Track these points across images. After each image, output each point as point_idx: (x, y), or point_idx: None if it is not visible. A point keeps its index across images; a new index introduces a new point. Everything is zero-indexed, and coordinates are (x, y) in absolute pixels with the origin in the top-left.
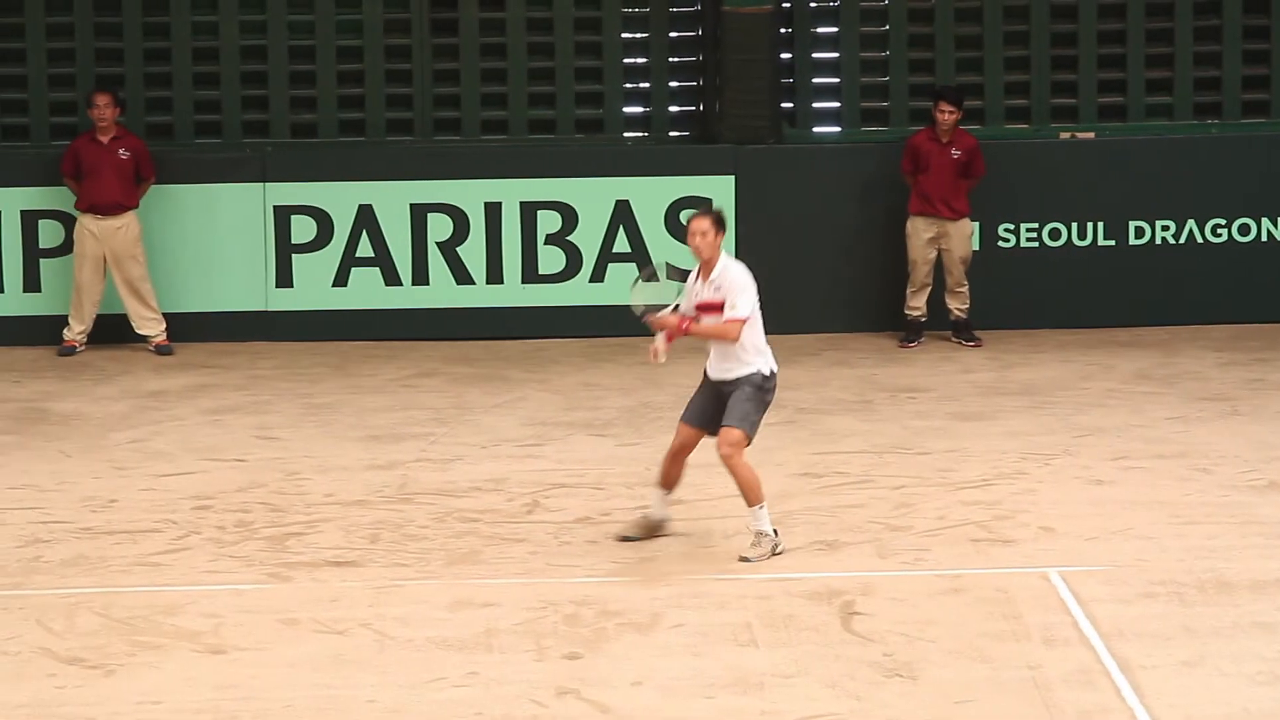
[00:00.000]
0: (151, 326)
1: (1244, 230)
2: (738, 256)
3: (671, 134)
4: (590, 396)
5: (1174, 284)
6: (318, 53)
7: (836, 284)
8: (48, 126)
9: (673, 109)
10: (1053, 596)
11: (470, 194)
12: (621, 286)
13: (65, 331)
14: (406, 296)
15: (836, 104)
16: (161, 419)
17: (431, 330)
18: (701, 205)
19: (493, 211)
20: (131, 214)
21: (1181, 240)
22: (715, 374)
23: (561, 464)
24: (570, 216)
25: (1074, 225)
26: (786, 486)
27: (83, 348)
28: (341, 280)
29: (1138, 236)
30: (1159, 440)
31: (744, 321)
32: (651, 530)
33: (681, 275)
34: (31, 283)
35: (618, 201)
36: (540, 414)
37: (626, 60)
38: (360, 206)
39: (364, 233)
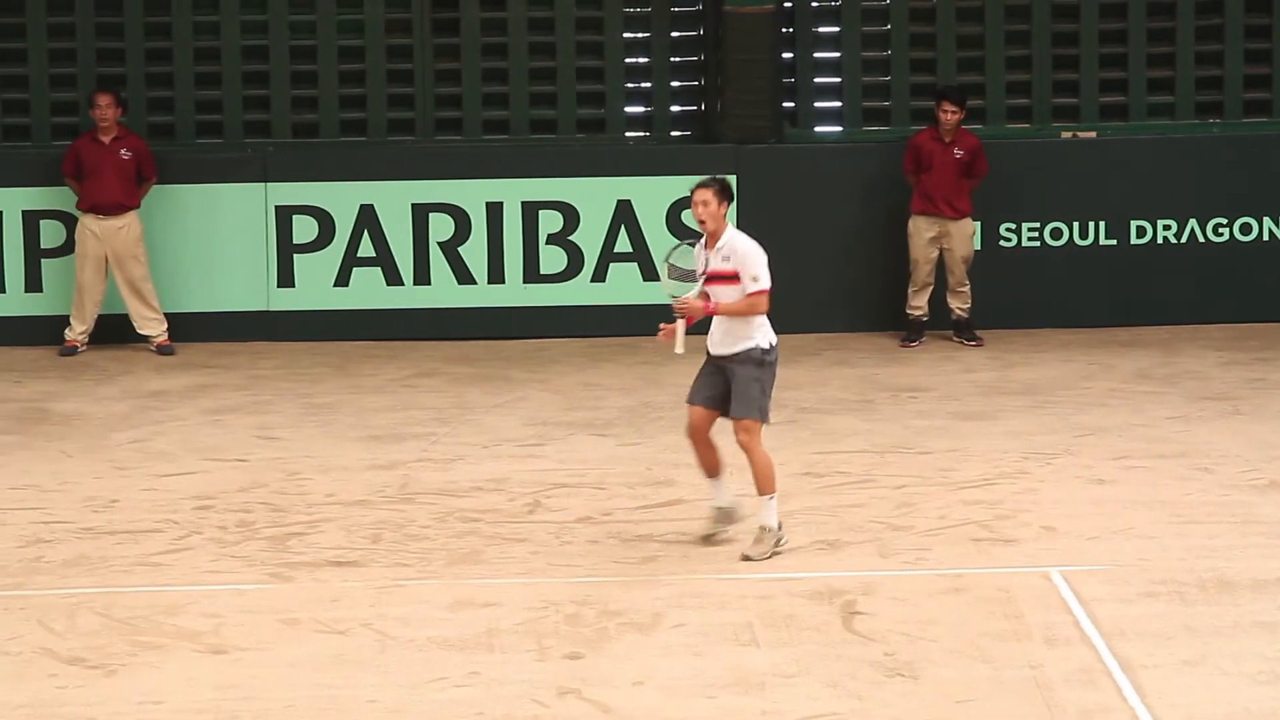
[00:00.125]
0: (153, 327)
1: (1245, 229)
2: None
3: (673, 134)
4: (591, 396)
5: (1175, 283)
6: (319, 52)
7: (838, 283)
8: (49, 126)
9: (674, 109)
10: (1054, 596)
11: (472, 194)
12: (623, 286)
13: (67, 331)
14: (408, 296)
15: (838, 103)
16: (163, 419)
17: (433, 330)
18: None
19: (494, 211)
20: (133, 214)
21: (1183, 240)
22: (716, 349)
23: (563, 464)
24: (572, 216)
25: (1075, 224)
26: (788, 486)
27: (84, 348)
28: (343, 280)
29: (1139, 236)
30: (1160, 440)
31: (769, 292)
32: (727, 518)
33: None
34: (33, 283)
35: (619, 201)
36: (541, 414)
37: (628, 60)
38: (362, 206)
39: (365, 232)
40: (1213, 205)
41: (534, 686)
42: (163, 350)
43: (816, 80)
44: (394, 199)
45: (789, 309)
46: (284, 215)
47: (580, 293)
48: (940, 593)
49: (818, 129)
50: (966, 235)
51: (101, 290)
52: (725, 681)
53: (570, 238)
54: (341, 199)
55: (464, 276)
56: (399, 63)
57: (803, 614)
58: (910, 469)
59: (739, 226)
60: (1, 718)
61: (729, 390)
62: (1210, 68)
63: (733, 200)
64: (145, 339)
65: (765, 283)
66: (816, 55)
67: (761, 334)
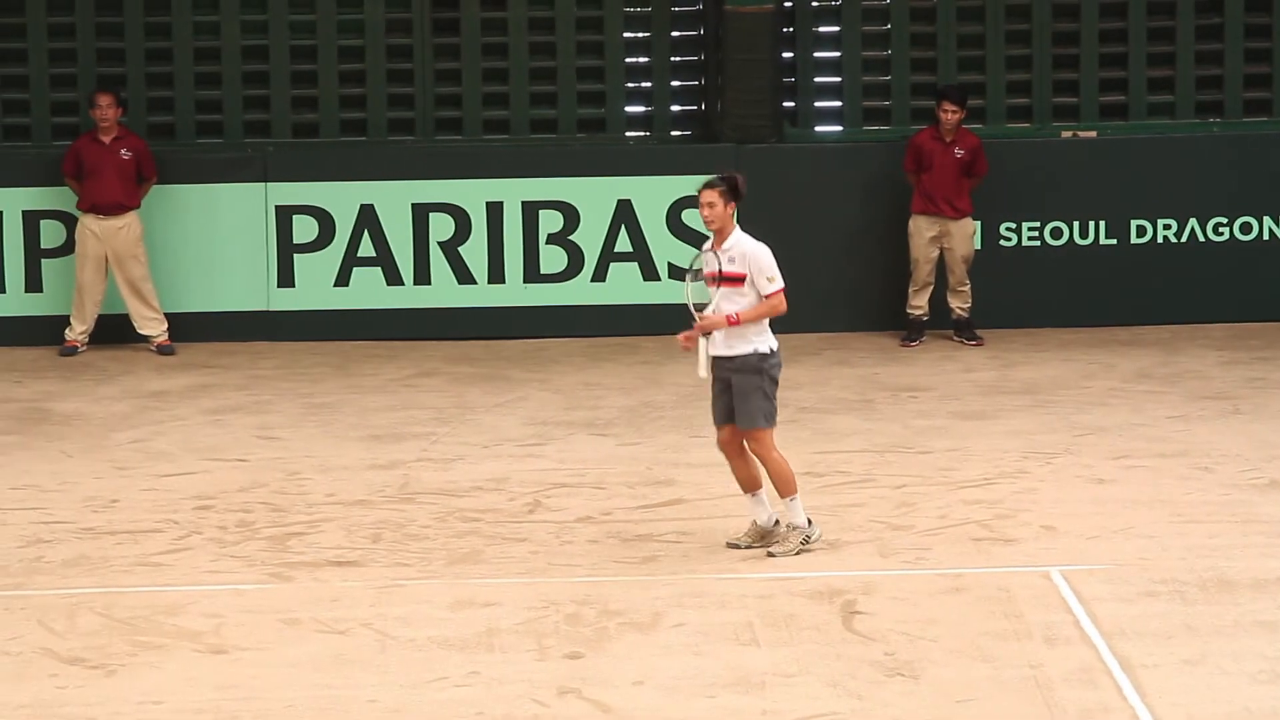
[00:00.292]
0: (153, 326)
1: (1245, 229)
2: None
3: (673, 133)
4: (591, 396)
5: (1175, 283)
6: (319, 52)
7: (838, 283)
8: (49, 126)
9: (674, 108)
10: (1054, 595)
11: (472, 193)
12: (623, 286)
13: (67, 331)
14: (408, 296)
15: (838, 103)
16: (163, 419)
17: (433, 330)
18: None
19: (494, 211)
20: (133, 214)
21: (1183, 239)
22: (716, 349)
23: (563, 463)
24: (572, 216)
25: (1075, 224)
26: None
27: (84, 348)
28: (343, 280)
29: (1139, 235)
30: (1160, 439)
31: (783, 290)
32: (764, 537)
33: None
34: (33, 283)
35: (619, 201)
36: (541, 413)
37: (628, 60)
38: (362, 206)
39: (365, 232)
40: (1213, 204)
41: (534, 686)
42: (163, 350)
43: (817, 80)
44: (394, 199)
45: (790, 308)
46: (284, 215)
47: (580, 292)
48: (940, 592)
49: (818, 128)
50: (967, 235)
51: (101, 290)
52: (725, 681)
53: (570, 237)
54: (342, 199)
55: (464, 276)
56: (399, 62)
57: (803, 613)
58: (910, 468)
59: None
60: (2, 718)
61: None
62: (1210, 67)
63: (741, 198)
64: (145, 339)
65: (779, 282)
66: (817, 55)
67: (762, 339)
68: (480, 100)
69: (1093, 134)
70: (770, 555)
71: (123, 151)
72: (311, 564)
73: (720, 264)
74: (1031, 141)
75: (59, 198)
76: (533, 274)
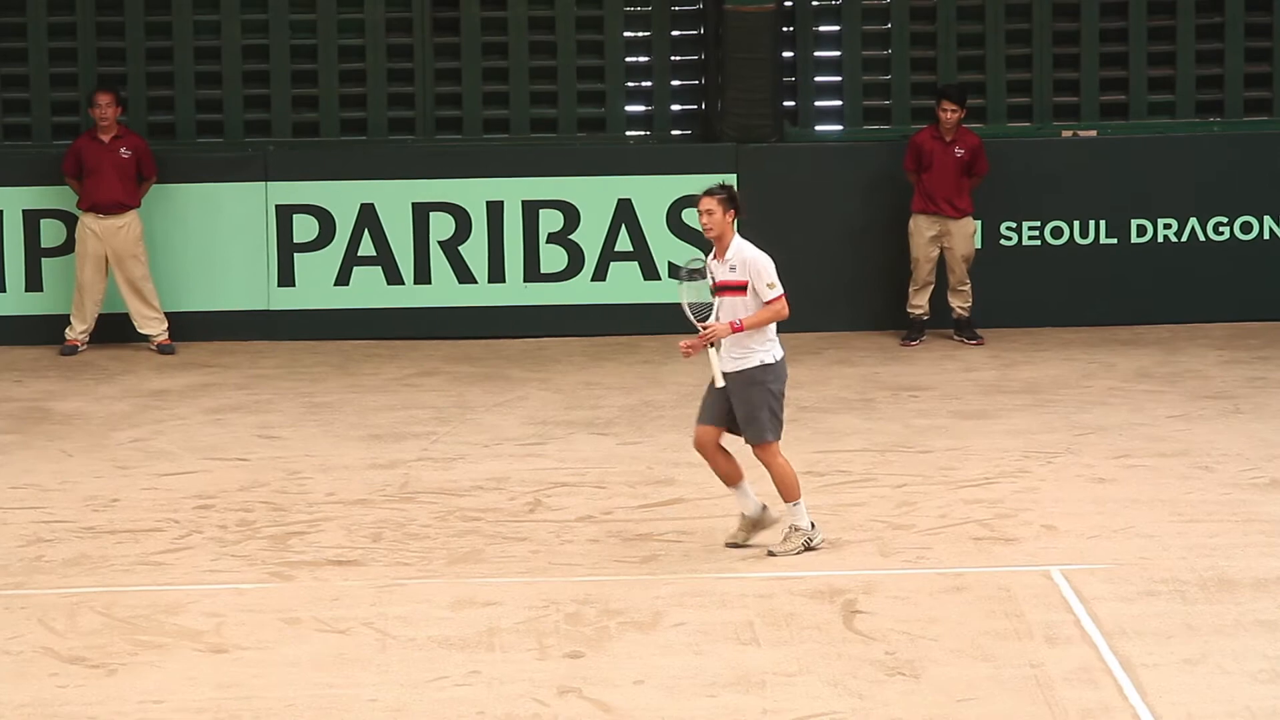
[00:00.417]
0: (153, 326)
1: (1246, 228)
2: None
3: (673, 133)
4: (591, 395)
5: (1176, 282)
6: (319, 52)
7: (838, 282)
8: (50, 126)
9: (674, 108)
10: (1055, 595)
11: (472, 193)
12: (623, 285)
13: (67, 331)
14: (408, 295)
15: (838, 102)
16: (163, 418)
17: (433, 329)
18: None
19: (494, 210)
20: (133, 213)
21: (1183, 238)
22: (724, 362)
23: (563, 463)
24: (572, 215)
25: (1076, 223)
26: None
27: (85, 347)
28: (343, 279)
29: (1139, 235)
30: (1161, 438)
31: (784, 296)
32: (756, 526)
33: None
34: (34, 282)
35: (620, 200)
36: (542, 413)
37: (628, 59)
38: (362, 205)
39: (366, 232)
40: (1213, 204)
41: (535, 685)
42: (163, 350)
43: (817, 79)
44: (394, 198)
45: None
46: (284, 214)
47: (580, 292)
48: (941, 591)
49: (818, 128)
50: (967, 234)
51: (101, 289)
52: (726, 680)
53: (570, 237)
54: (342, 198)
55: (464, 275)
56: (399, 62)
57: (803, 613)
58: (911, 468)
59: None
60: (3, 717)
61: (730, 405)
62: (1211, 66)
63: (739, 209)
64: (146, 338)
65: (780, 288)
66: (817, 54)
67: (764, 350)
68: (480, 99)
69: (1093, 133)
70: (771, 554)
71: (122, 150)
72: (312, 563)
73: (721, 273)
74: (1032, 141)
75: (59, 197)
76: (533, 273)
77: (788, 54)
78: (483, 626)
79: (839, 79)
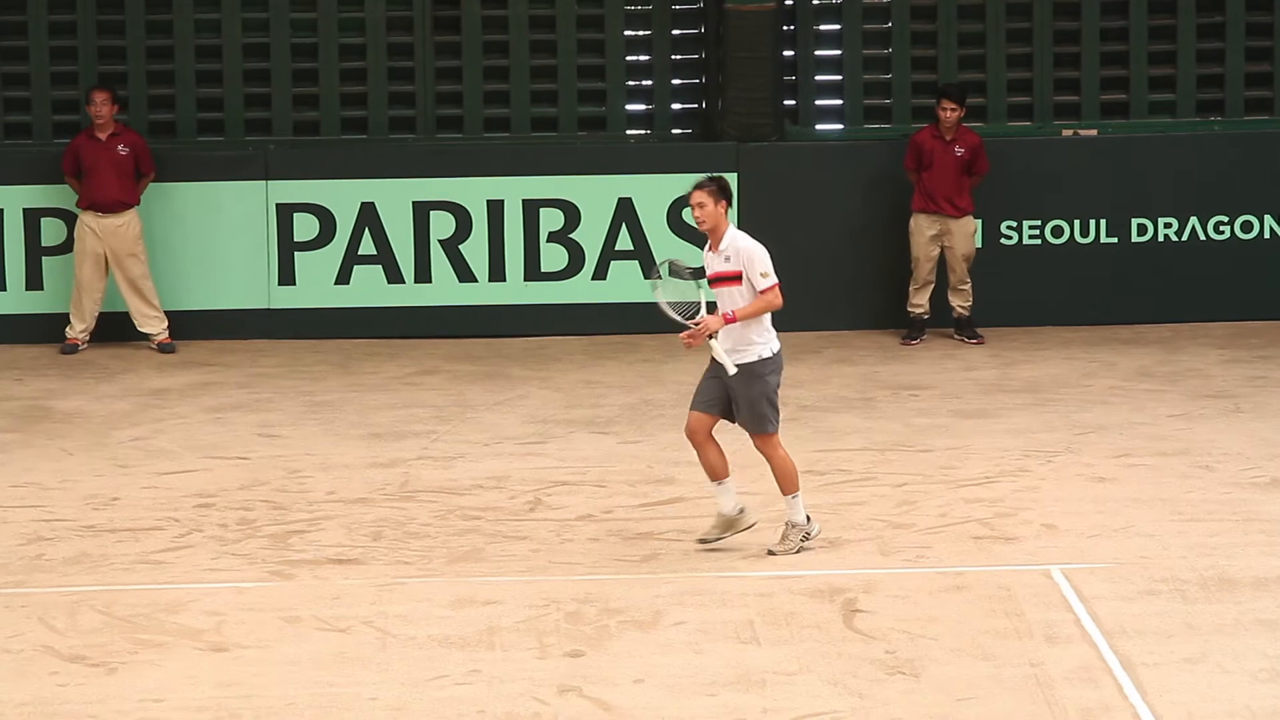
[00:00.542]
0: (154, 324)
1: (1246, 227)
2: None
3: (674, 131)
4: (592, 394)
5: (1176, 281)
6: (320, 50)
7: (839, 281)
8: (50, 124)
9: (675, 106)
10: (1055, 594)
11: (472, 191)
12: (624, 284)
13: (67, 330)
14: (409, 294)
15: (839, 101)
16: (164, 417)
17: (433, 328)
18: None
19: (495, 209)
20: (132, 211)
21: (1184, 237)
22: (715, 354)
23: (563, 462)
24: (572, 214)
25: (1076, 222)
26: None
27: (85, 346)
28: (344, 278)
29: (1140, 234)
30: (1161, 437)
31: (779, 286)
32: (728, 526)
33: (693, 271)
34: (34, 280)
35: (620, 199)
36: (542, 411)
37: (629, 58)
38: (362, 204)
39: (366, 230)
40: (1214, 203)
41: (535, 684)
42: (164, 348)
43: (817, 78)
44: (395, 197)
45: (790, 307)
46: (285, 213)
47: (581, 290)
48: (941, 590)
49: (819, 127)
50: (967, 233)
51: (100, 288)
52: (726, 679)
53: (571, 235)
54: (342, 197)
55: (465, 274)
56: (400, 60)
57: (803, 612)
58: (911, 467)
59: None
60: (4, 715)
61: (728, 395)
62: (1211, 65)
63: (731, 199)
64: (146, 337)
65: (774, 278)
66: (818, 53)
67: (763, 343)
68: (481, 98)
69: (1094, 132)
70: (770, 553)
71: (119, 148)
72: (312, 562)
73: (715, 264)
74: (1032, 140)
75: (60, 195)
76: (533, 272)
77: (788, 53)
78: (483, 625)
79: (839, 78)
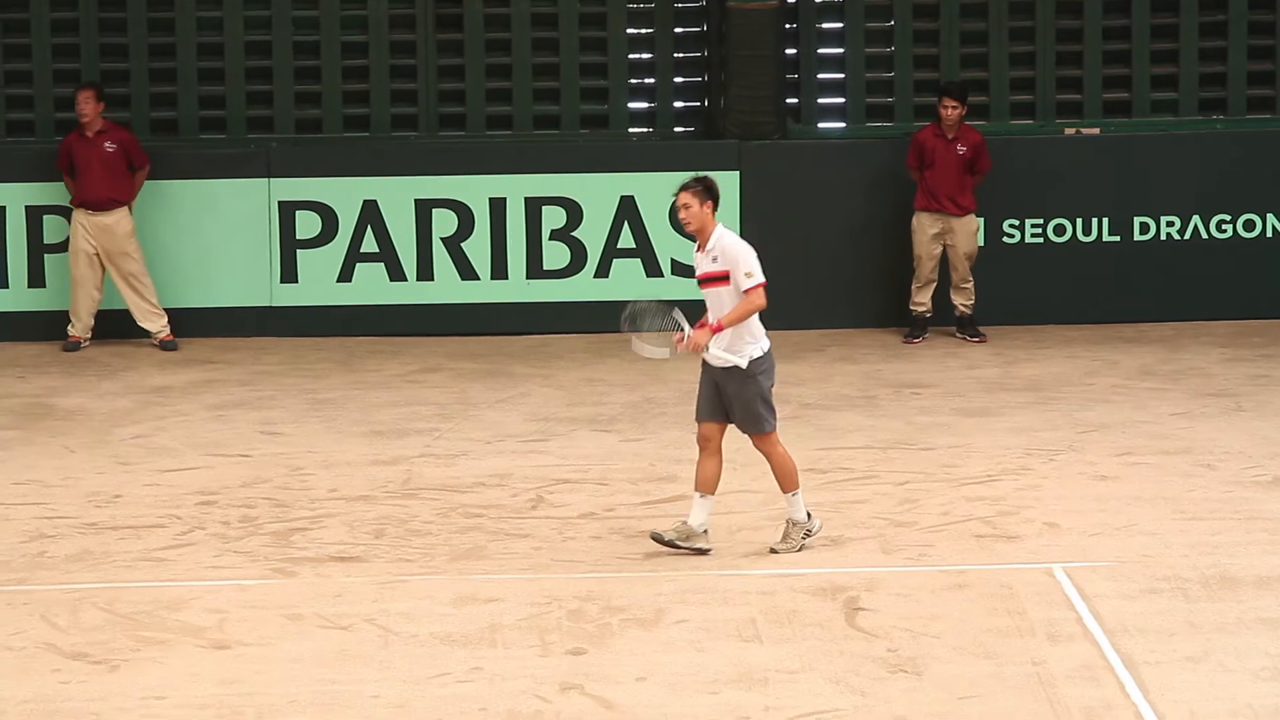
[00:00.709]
0: (153, 321)
1: (1249, 226)
2: None
3: (676, 129)
4: (594, 392)
5: (1179, 280)
6: (322, 48)
7: (841, 279)
8: (52, 122)
9: (678, 104)
10: (1057, 592)
11: (475, 189)
12: (626, 282)
13: (69, 328)
14: (411, 292)
15: (841, 99)
16: (166, 414)
17: (436, 326)
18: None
19: (497, 207)
20: (124, 209)
21: (1186, 236)
22: (711, 359)
23: (565, 459)
24: (575, 212)
25: (1079, 221)
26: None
27: (87, 343)
28: (346, 276)
29: (1142, 232)
30: (1163, 436)
31: (763, 286)
32: (687, 539)
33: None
34: (36, 278)
35: (622, 197)
36: (544, 409)
37: (631, 56)
38: (365, 202)
39: (368, 228)
40: (1216, 201)
41: (537, 682)
42: (166, 346)
43: (820, 76)
44: (397, 194)
45: (793, 305)
46: (287, 210)
47: (583, 288)
48: (943, 589)
49: (821, 125)
50: (970, 231)
51: (95, 285)
52: (728, 677)
53: (573, 233)
54: (344, 194)
55: (467, 272)
56: (402, 58)
57: (806, 610)
58: (913, 465)
59: (743, 222)
60: (5, 713)
61: (725, 398)
62: (1214, 64)
63: (717, 199)
64: (147, 334)
65: (759, 277)
66: (820, 51)
67: (754, 344)
68: (483, 96)
69: (1096, 131)
70: (773, 551)
71: (107, 145)
72: (314, 559)
73: (703, 265)
74: (1035, 138)
75: (61, 193)
76: (535, 270)
77: (791, 51)
78: (485, 623)
79: (842, 76)
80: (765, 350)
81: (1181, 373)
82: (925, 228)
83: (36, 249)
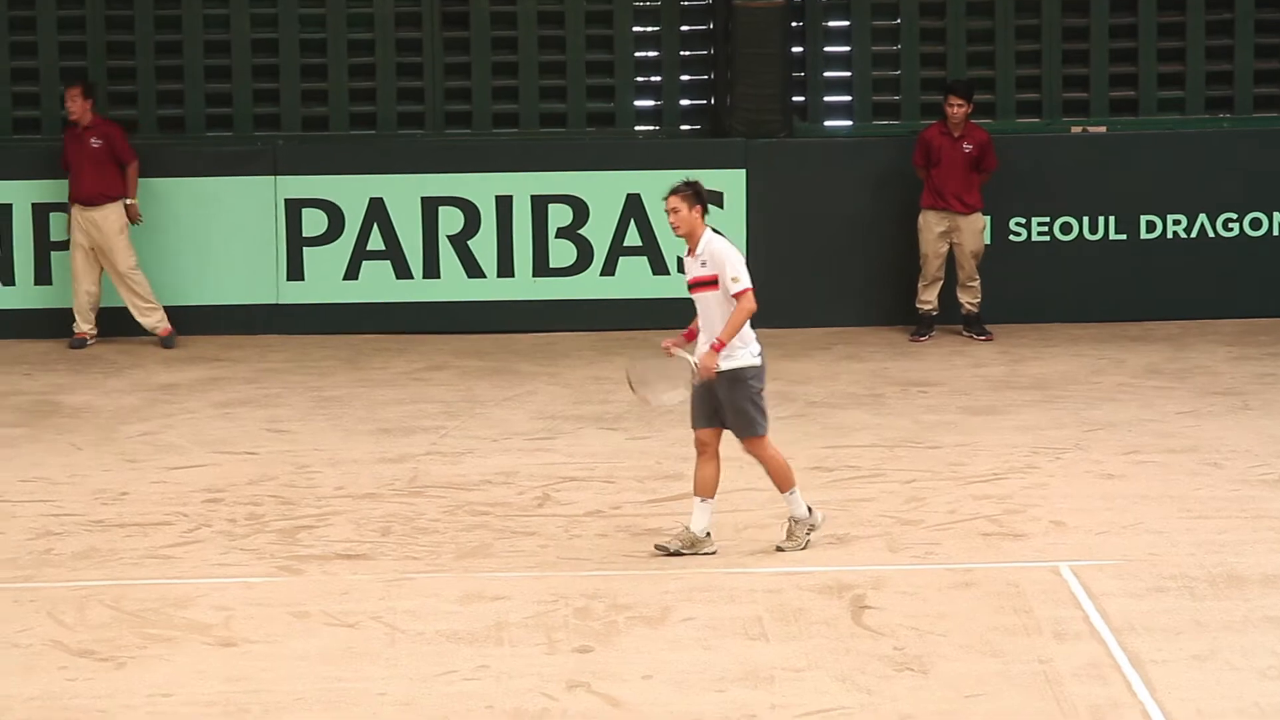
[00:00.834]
0: (149, 316)
1: (1255, 224)
2: (749, 250)
3: (683, 128)
4: (600, 390)
5: (1185, 278)
6: (329, 46)
7: (847, 278)
8: (59, 119)
9: (684, 103)
10: (1063, 590)
11: (481, 187)
12: (632, 280)
13: (74, 324)
14: (417, 290)
15: (848, 98)
16: (172, 412)
17: (442, 323)
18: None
19: (504, 205)
20: (115, 204)
21: (1193, 234)
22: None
23: (572, 457)
24: (581, 210)
25: (1085, 219)
26: (797, 480)
27: (94, 340)
28: (352, 273)
29: (1149, 231)
30: (1170, 434)
31: (751, 290)
32: (692, 545)
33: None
34: (43, 275)
35: (628, 195)
36: (550, 407)
37: (637, 54)
38: (371, 200)
39: (375, 226)
40: (1223, 200)
41: (543, 680)
42: (165, 342)
43: (826, 74)
44: (403, 192)
45: (799, 303)
46: (293, 208)
47: (590, 286)
48: (950, 587)
49: (827, 123)
50: (976, 230)
51: (92, 281)
52: (734, 675)
53: (580, 231)
54: (351, 192)
55: (473, 270)
56: (408, 56)
57: (812, 608)
58: (920, 463)
59: (749, 221)
60: (12, 709)
61: (718, 402)
62: (1220, 62)
63: (706, 203)
64: (148, 332)
65: (745, 283)
66: (826, 49)
67: (744, 347)
68: (490, 94)
69: (1102, 129)
70: (779, 550)
71: (93, 141)
72: (321, 557)
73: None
74: (1041, 137)
75: (66, 190)
76: (542, 268)
77: (797, 49)
78: (491, 621)
79: (848, 74)
80: (756, 354)
81: (1188, 371)
82: (931, 226)
83: (43, 246)
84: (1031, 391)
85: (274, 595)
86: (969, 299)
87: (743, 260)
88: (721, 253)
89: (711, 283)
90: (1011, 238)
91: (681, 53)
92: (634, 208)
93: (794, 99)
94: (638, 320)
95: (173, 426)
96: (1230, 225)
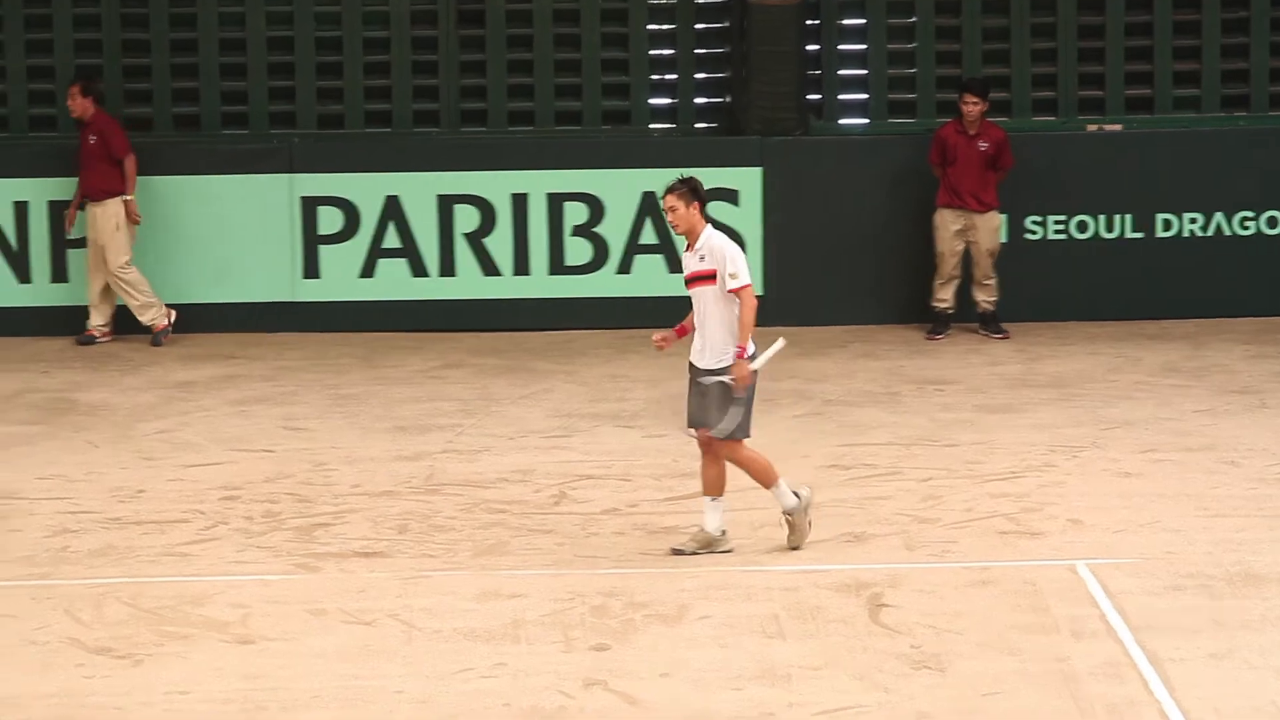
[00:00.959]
0: (145, 313)
1: (1272, 222)
2: (765, 248)
3: (698, 126)
4: (617, 388)
5: (1202, 276)
6: (344, 44)
7: (863, 276)
8: (74, 118)
9: (699, 101)
10: (1081, 589)
11: (497, 185)
12: (648, 277)
13: (88, 321)
14: (433, 288)
15: (864, 96)
16: (189, 409)
17: (458, 321)
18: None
19: (519, 203)
20: (114, 200)
21: (1209, 232)
22: (696, 358)
23: (588, 455)
24: (597, 208)
25: (1101, 217)
26: (813, 478)
27: (106, 338)
28: (368, 271)
29: (1165, 229)
30: (1187, 433)
31: (749, 286)
32: (707, 545)
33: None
34: (59, 272)
35: (645, 193)
36: (567, 405)
37: (653, 52)
38: (387, 198)
39: (391, 224)
40: (1239, 198)
41: (560, 678)
42: (154, 340)
43: (842, 73)
44: (419, 190)
45: (815, 301)
46: (309, 206)
47: (606, 284)
48: (967, 585)
49: (843, 121)
50: (992, 228)
51: (101, 277)
52: (751, 673)
53: (596, 229)
54: (367, 190)
55: (489, 268)
56: (424, 54)
57: (829, 606)
58: (937, 461)
59: (765, 219)
60: (29, 707)
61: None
62: (1236, 61)
63: (704, 199)
64: (148, 330)
65: (744, 278)
66: (842, 48)
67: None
68: (505, 92)
69: (1118, 127)
70: (793, 549)
71: (90, 137)
72: (338, 555)
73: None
74: (1057, 135)
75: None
76: (558, 266)
77: (813, 47)
78: (508, 619)
79: (864, 72)
80: (751, 356)
81: (1205, 369)
82: (947, 224)
83: (59, 244)
84: (1048, 390)
85: (291, 593)
86: (985, 297)
87: (743, 256)
88: (721, 248)
89: (710, 277)
90: (1027, 236)
91: (697, 51)
92: (650, 205)
93: (809, 97)
94: (654, 318)
95: (189, 424)
96: (1247, 223)
